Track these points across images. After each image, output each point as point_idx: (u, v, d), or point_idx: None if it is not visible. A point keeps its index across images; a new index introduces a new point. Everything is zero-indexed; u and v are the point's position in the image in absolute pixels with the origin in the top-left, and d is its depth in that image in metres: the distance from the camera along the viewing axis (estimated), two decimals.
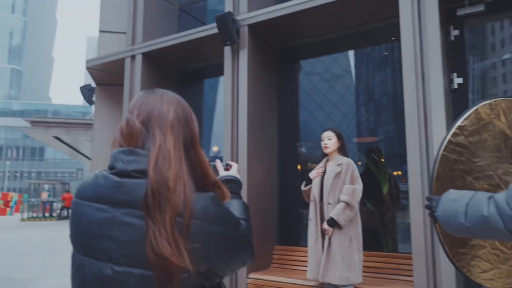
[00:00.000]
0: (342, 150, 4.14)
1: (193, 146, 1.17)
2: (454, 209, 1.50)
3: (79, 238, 1.12)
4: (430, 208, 1.64)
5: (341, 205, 3.87)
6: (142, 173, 1.09)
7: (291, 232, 5.60)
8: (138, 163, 1.10)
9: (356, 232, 3.92)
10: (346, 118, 5.66)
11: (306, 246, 4.68)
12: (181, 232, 1.02)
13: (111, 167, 1.13)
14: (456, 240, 1.88)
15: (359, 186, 3.95)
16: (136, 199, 1.06)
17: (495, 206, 1.37)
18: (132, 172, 1.10)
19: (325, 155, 4.18)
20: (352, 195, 3.89)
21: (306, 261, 4.43)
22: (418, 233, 3.84)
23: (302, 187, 4.23)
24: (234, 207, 1.32)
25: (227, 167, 1.51)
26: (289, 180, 5.73)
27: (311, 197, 4.10)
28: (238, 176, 1.48)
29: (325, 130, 4.19)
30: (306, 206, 5.26)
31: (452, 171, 1.87)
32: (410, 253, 4.21)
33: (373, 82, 5.65)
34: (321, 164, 4.19)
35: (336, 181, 3.96)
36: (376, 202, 5.11)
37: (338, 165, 4.01)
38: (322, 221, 3.97)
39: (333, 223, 3.84)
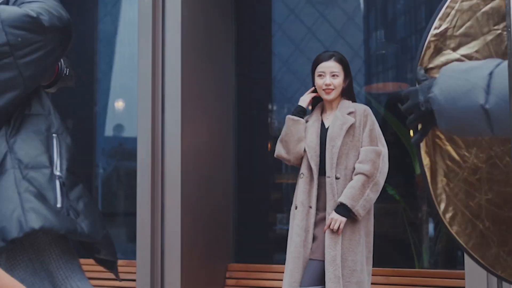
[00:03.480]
0: (349, 92, 3.25)
1: None
2: (468, 82, 1.20)
3: None
4: (419, 96, 1.27)
5: (359, 180, 3.05)
6: None
7: (257, 240, 4.70)
8: None
9: (367, 230, 3.18)
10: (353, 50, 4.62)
11: (279, 264, 4.02)
12: None
13: None
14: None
15: (385, 149, 3.12)
16: None
17: None
18: None
19: (317, 100, 3.27)
20: (376, 163, 3.05)
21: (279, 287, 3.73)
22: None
23: (289, 126, 3.19)
24: None
25: None
26: (254, 152, 4.71)
27: (302, 169, 3.24)
28: None
29: (323, 56, 3.20)
30: (280, 190, 4.83)
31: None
32: (460, 270, 3.53)
33: None
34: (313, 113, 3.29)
35: (348, 139, 3.14)
36: (402, 187, 4.33)
37: (349, 113, 3.16)
38: (319, 209, 3.20)
39: (346, 212, 3.06)
